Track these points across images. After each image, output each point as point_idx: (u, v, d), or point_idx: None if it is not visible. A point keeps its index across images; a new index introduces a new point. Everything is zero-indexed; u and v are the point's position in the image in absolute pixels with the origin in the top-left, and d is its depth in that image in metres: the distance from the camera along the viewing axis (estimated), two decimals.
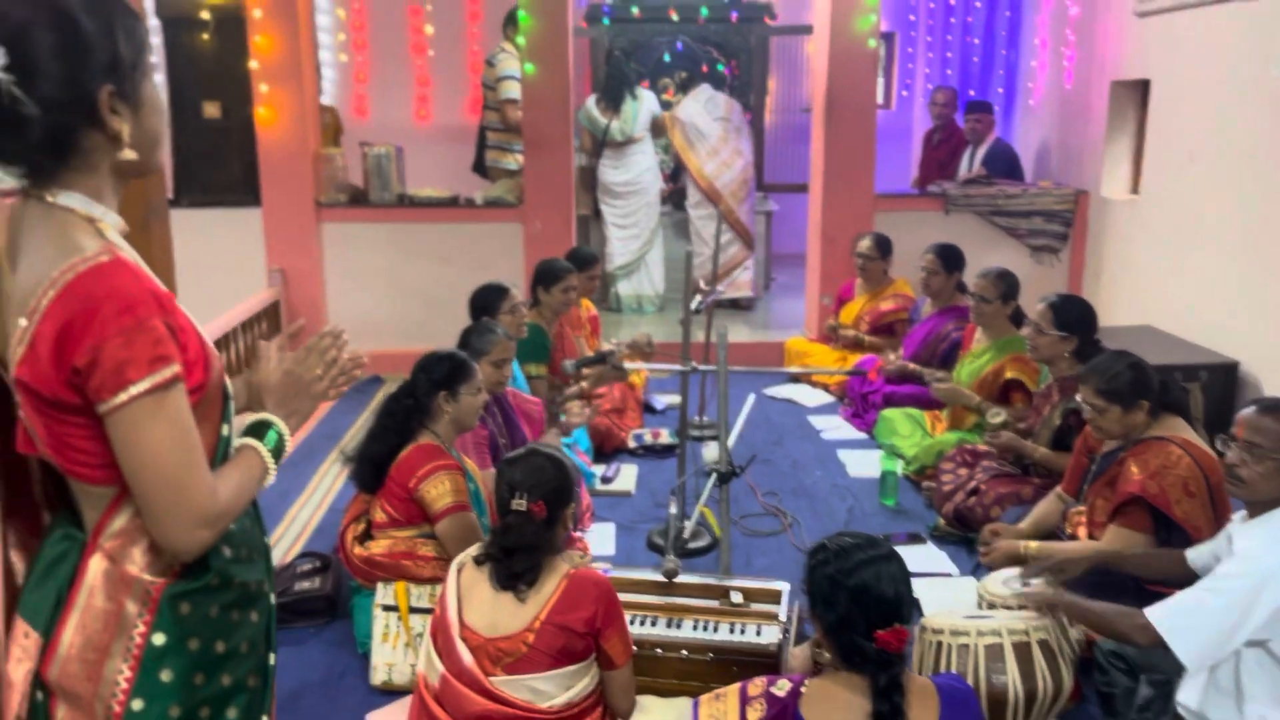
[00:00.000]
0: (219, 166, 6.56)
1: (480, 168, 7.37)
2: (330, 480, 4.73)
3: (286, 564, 3.69)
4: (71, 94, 1.32)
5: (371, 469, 3.26)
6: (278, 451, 1.54)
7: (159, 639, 1.41)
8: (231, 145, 6.49)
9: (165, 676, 1.41)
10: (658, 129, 7.43)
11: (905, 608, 1.92)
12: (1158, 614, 2.28)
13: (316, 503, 4.50)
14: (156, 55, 6.52)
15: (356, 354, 1.69)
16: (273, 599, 1.61)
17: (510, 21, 6.68)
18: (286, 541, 4.12)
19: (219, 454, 1.48)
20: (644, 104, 7.29)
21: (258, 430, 1.54)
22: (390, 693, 3.04)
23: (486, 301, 4.29)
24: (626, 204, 7.39)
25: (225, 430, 1.50)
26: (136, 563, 1.41)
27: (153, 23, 6.51)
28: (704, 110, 7.23)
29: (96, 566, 1.40)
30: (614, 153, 7.31)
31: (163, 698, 1.41)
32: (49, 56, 1.30)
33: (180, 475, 1.35)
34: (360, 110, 8.51)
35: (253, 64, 6.07)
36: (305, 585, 3.51)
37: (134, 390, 1.30)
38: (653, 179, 7.42)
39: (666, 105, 8.28)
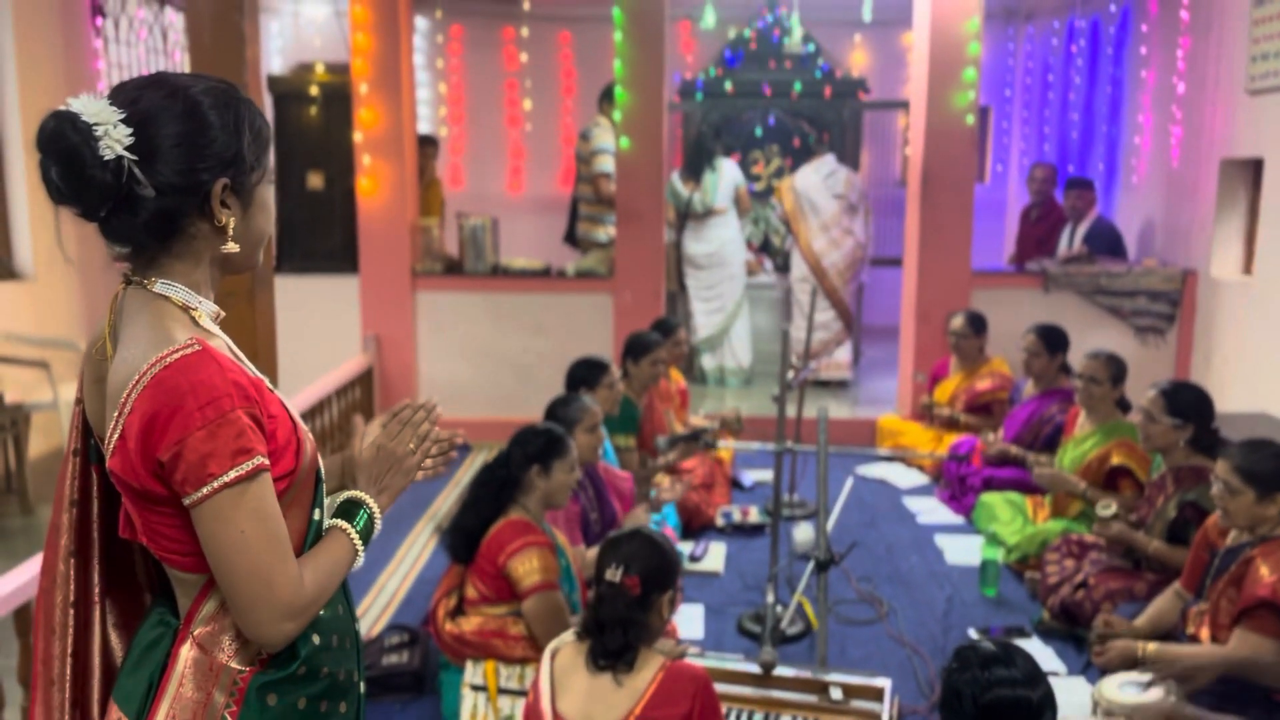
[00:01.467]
0: (320, 235, 6.75)
1: (572, 238, 7.46)
2: (418, 549, 4.73)
3: (374, 637, 3.68)
4: (187, 182, 1.37)
5: (465, 539, 3.24)
6: (367, 531, 1.52)
7: None
8: (333, 214, 6.68)
9: None
10: (741, 202, 7.43)
11: None
12: None
13: (404, 573, 4.50)
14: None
15: (453, 431, 1.67)
16: (363, 688, 1.58)
17: (606, 96, 6.79)
18: (374, 612, 4.11)
19: (309, 538, 1.47)
20: (723, 176, 7.30)
21: (348, 510, 1.52)
22: None
23: (587, 375, 4.29)
24: (709, 275, 7.37)
25: (317, 515, 1.49)
26: (225, 651, 1.40)
27: (265, 98, 6.78)
28: (822, 184, 7.15)
29: (187, 654, 1.40)
30: (696, 224, 7.33)
31: None
32: (171, 144, 1.36)
33: (265, 567, 1.34)
34: (455, 181, 8.72)
35: (357, 136, 6.26)
36: (393, 659, 3.48)
37: (216, 484, 1.30)
38: (735, 250, 7.40)
39: (755, 179, 8.30)
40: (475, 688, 3.07)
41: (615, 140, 6.30)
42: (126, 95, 1.36)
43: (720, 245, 7.34)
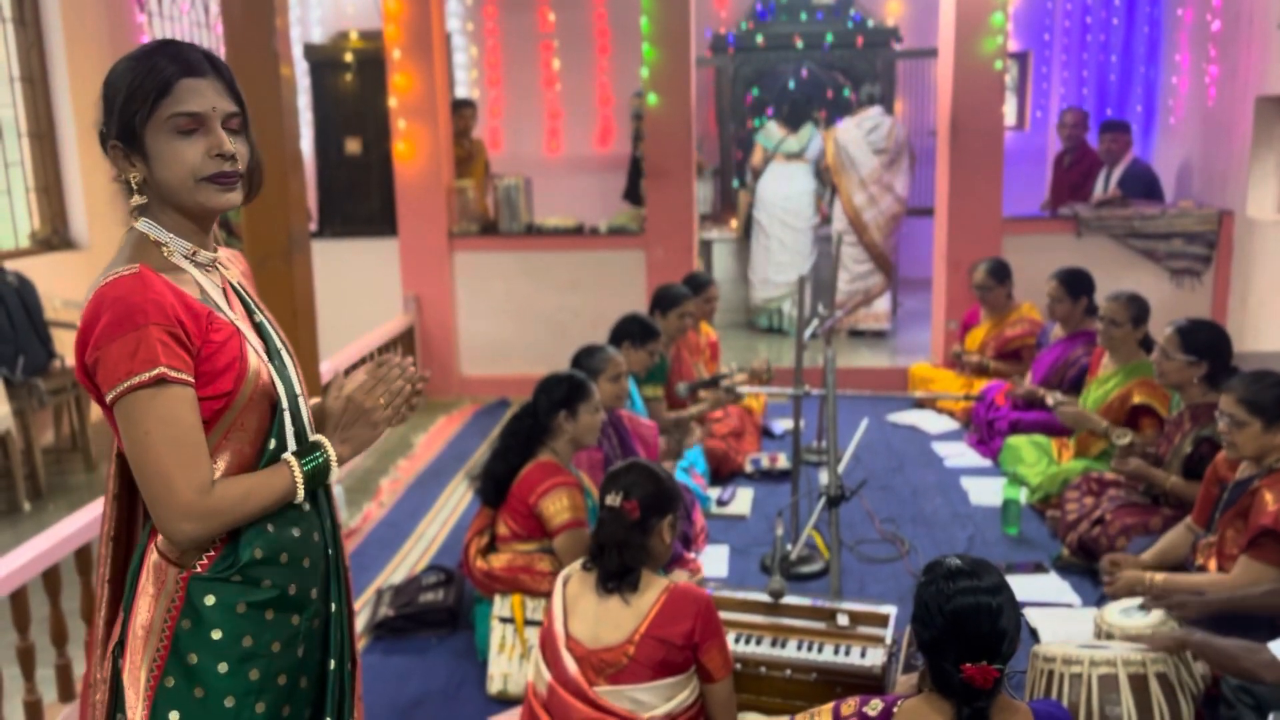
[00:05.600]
0: (359, 199, 6.92)
1: (632, 196, 7.61)
2: (456, 499, 4.92)
3: (413, 576, 3.87)
4: (103, 140, 1.58)
5: (494, 485, 3.41)
6: (319, 473, 1.63)
7: (185, 624, 1.56)
8: (371, 179, 6.85)
9: (191, 660, 1.56)
10: (821, 163, 7.50)
11: (1004, 644, 1.86)
12: None
13: (443, 520, 4.69)
14: (303, 96, 6.95)
15: (419, 374, 1.76)
16: (334, 609, 1.71)
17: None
18: (414, 556, 4.31)
19: (263, 463, 1.61)
20: (816, 139, 7.40)
21: (307, 450, 1.64)
22: (505, 702, 3.15)
23: (634, 331, 4.45)
24: (783, 228, 7.45)
25: (273, 444, 1.62)
26: (172, 554, 1.58)
27: (300, 65, 6.94)
28: (864, 140, 7.18)
29: (150, 556, 1.59)
30: (779, 166, 7.41)
31: (189, 679, 1.56)
32: (101, 107, 1.58)
33: (166, 469, 1.49)
34: (494, 144, 8.84)
35: (391, 102, 6.41)
36: (429, 597, 3.67)
37: (122, 387, 1.47)
38: (809, 204, 7.48)
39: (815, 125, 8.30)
40: (503, 620, 3.24)
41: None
42: None
43: (799, 192, 7.43)
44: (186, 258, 1.61)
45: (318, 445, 1.65)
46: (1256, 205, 5.89)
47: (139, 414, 1.48)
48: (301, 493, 1.61)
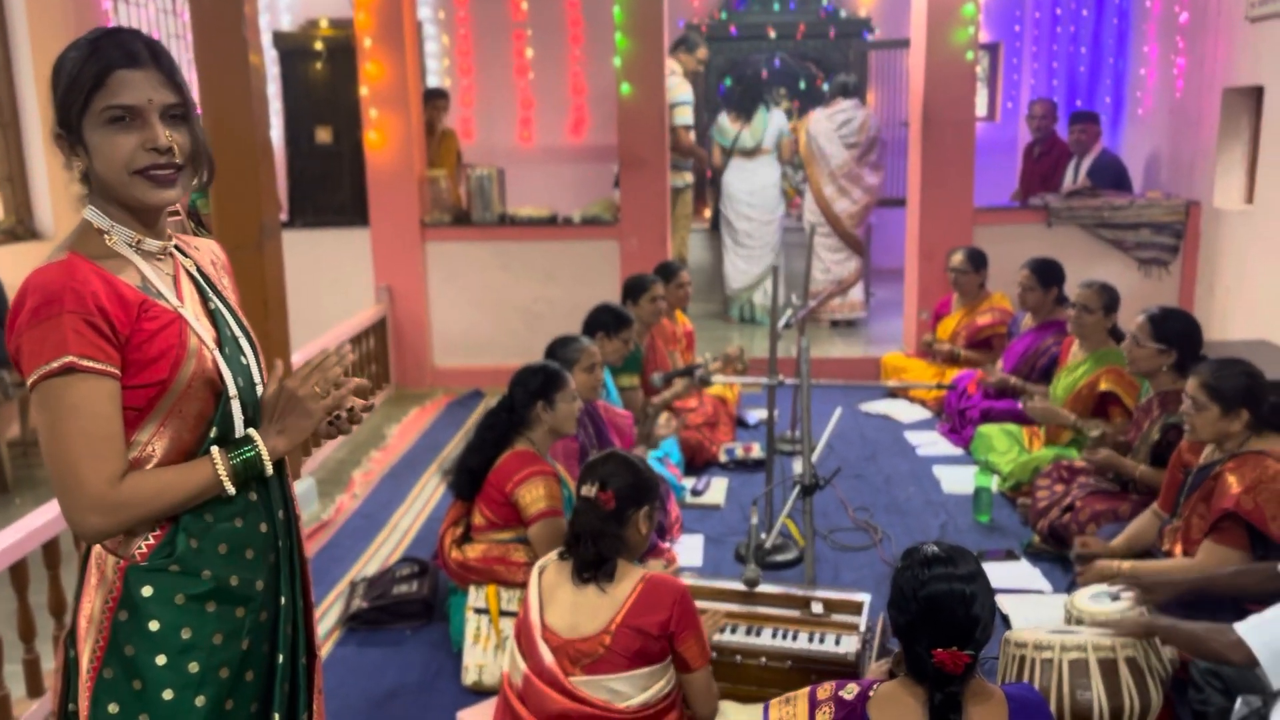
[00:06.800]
0: (330, 189, 6.85)
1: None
2: (430, 491, 4.89)
3: (387, 568, 3.86)
4: (53, 133, 1.58)
5: (469, 478, 3.39)
6: (250, 466, 1.59)
7: (122, 615, 1.55)
8: (342, 168, 6.78)
9: (128, 651, 1.55)
10: (783, 150, 7.51)
11: (977, 631, 1.88)
12: (1248, 629, 2.22)
13: (417, 511, 4.67)
14: (273, 84, 6.87)
15: (365, 384, 1.74)
16: (284, 602, 1.68)
17: (680, 44, 7.00)
18: (388, 547, 4.29)
19: (204, 453, 1.59)
20: (774, 118, 7.40)
21: (239, 442, 1.61)
22: (481, 693, 3.15)
23: (607, 322, 4.45)
24: (749, 222, 7.47)
25: (214, 432, 1.60)
26: (111, 543, 1.56)
27: (270, 54, 6.86)
28: (834, 133, 7.18)
29: (95, 545, 1.58)
30: (741, 162, 7.43)
31: (127, 671, 1.55)
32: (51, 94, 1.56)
33: (74, 459, 1.47)
34: (466, 133, 8.78)
35: (362, 90, 6.35)
36: (403, 589, 3.66)
37: (35, 375, 1.46)
38: (776, 196, 7.49)
39: (788, 117, 8.31)
40: (478, 611, 3.23)
41: (690, 91, 6.54)
42: None
43: (762, 186, 7.45)
44: (130, 245, 1.59)
45: (249, 439, 1.61)
46: (1223, 195, 5.96)
47: (50, 402, 1.47)
48: (229, 486, 1.58)
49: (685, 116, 7.12)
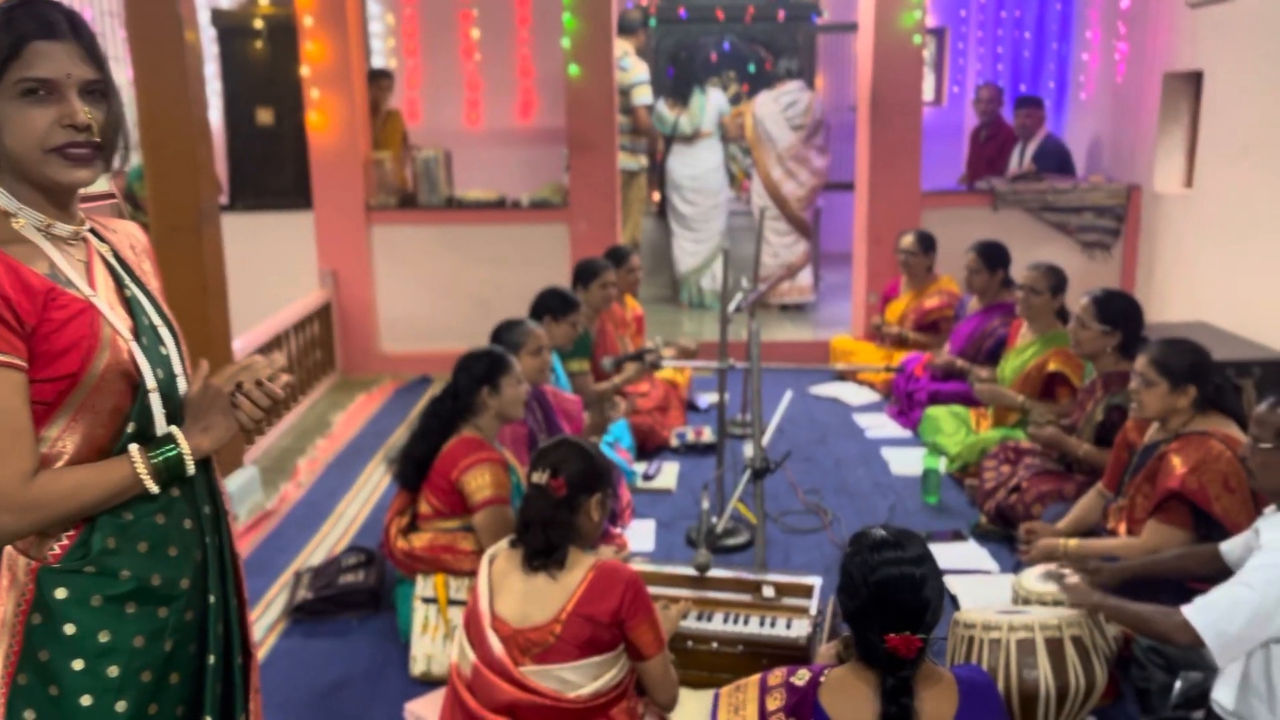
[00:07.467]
0: (272, 171, 6.71)
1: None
2: (377, 479, 4.82)
3: (333, 558, 3.79)
4: None
5: (414, 467, 3.33)
6: (171, 466, 1.52)
7: (36, 619, 1.47)
8: (284, 150, 6.64)
9: (43, 656, 1.47)
10: (725, 131, 7.50)
11: (927, 615, 1.88)
12: (1193, 611, 2.25)
13: (364, 500, 4.60)
14: (211, 64, 6.71)
15: (291, 380, 1.67)
16: (213, 600, 1.61)
17: (624, 28, 6.98)
18: (334, 536, 4.22)
19: (120, 449, 1.51)
20: (710, 100, 7.38)
21: (160, 440, 1.54)
22: (429, 683, 3.10)
23: (554, 306, 4.39)
24: (694, 207, 7.47)
25: (131, 427, 1.52)
26: (23, 543, 1.49)
27: (208, 32, 6.69)
28: (780, 115, 7.18)
29: (6, 547, 1.50)
30: (681, 148, 7.42)
31: (42, 677, 1.47)
32: None
33: None
34: (412, 115, 8.64)
35: (304, 70, 6.21)
36: (350, 578, 3.60)
37: None
38: (719, 179, 7.50)
39: (735, 101, 8.29)
40: (426, 600, 3.18)
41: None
42: None
43: (704, 171, 7.44)
44: (39, 230, 1.50)
45: (171, 438, 1.54)
46: (1163, 180, 6.05)
47: None
48: (151, 485, 1.51)
49: (645, 96, 7.11)
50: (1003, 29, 8.77)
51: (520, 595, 2.40)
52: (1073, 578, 2.85)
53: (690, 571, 2.96)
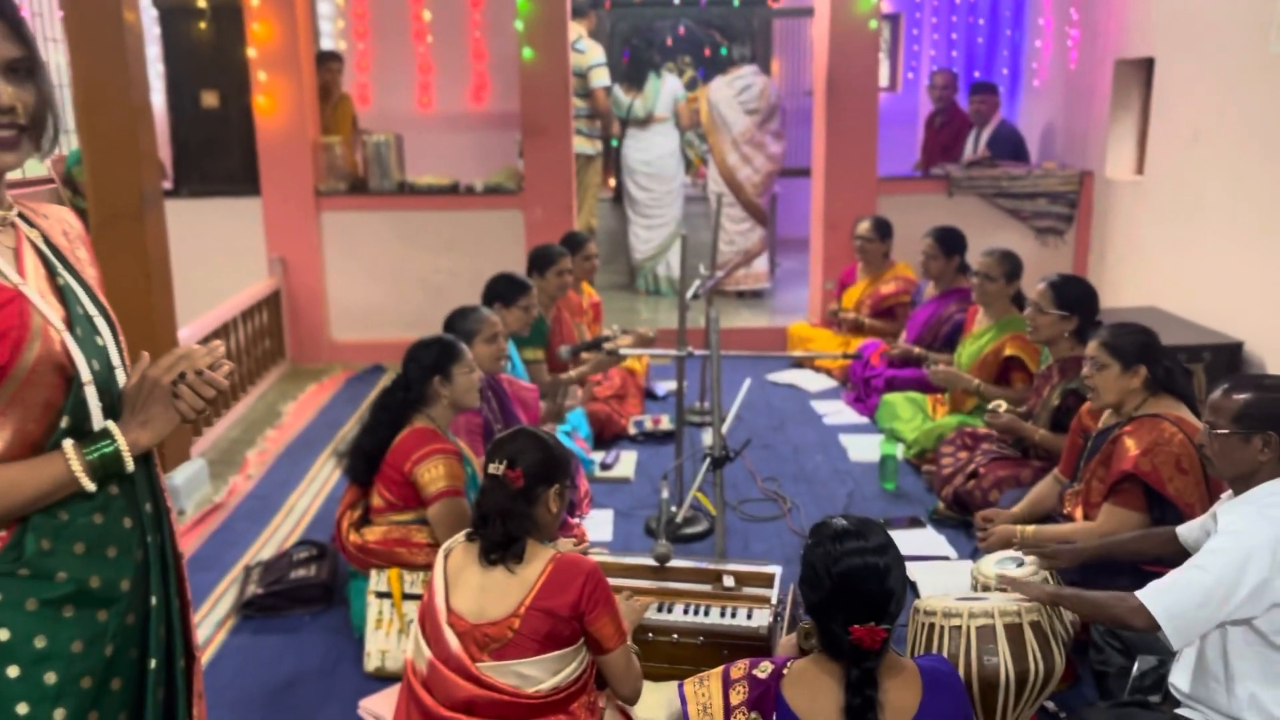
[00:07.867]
0: (218, 156, 6.54)
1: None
2: (328, 471, 4.73)
3: (284, 552, 3.70)
4: None
5: (365, 462, 3.25)
6: (109, 462, 1.45)
7: None
8: (230, 134, 6.47)
9: None
10: (679, 118, 7.48)
11: (891, 605, 1.86)
12: (1148, 595, 2.26)
13: (315, 492, 4.51)
14: (153, 46, 6.52)
15: (233, 368, 1.59)
16: (154, 602, 1.55)
17: (578, 10, 6.96)
18: (285, 530, 4.13)
19: (54, 444, 1.44)
20: (665, 85, 7.36)
21: (97, 436, 1.47)
22: (384, 679, 3.04)
23: (505, 291, 4.31)
24: (649, 193, 7.43)
25: (65, 421, 1.45)
26: None
27: (150, 13, 6.50)
28: (734, 100, 7.16)
29: None
30: (636, 132, 7.40)
31: None
32: None
33: None
34: (363, 99, 8.48)
35: (250, 52, 6.06)
36: (301, 573, 3.52)
37: None
38: (674, 164, 7.49)
39: (691, 86, 8.25)
40: (380, 595, 3.12)
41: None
42: None
43: (659, 156, 7.42)
44: None
45: (108, 433, 1.46)
46: (1114, 166, 6.11)
47: None
48: (88, 483, 1.43)
49: (603, 78, 7.09)
50: (956, 15, 8.80)
51: (477, 589, 2.35)
52: (1030, 563, 2.86)
53: (650, 562, 2.92)
